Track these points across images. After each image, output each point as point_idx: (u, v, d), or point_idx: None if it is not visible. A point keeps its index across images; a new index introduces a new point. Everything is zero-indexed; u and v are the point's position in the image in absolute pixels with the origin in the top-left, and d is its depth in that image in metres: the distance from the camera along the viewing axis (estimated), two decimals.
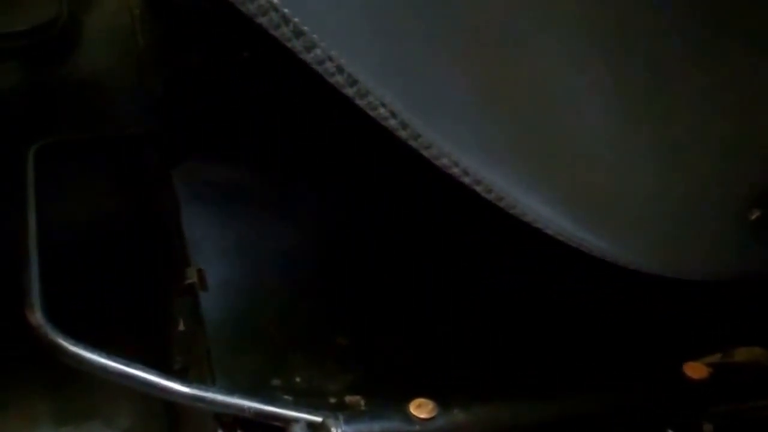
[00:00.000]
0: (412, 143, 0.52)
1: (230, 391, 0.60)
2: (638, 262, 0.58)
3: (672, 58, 0.55)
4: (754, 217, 0.59)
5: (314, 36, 0.48)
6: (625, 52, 0.54)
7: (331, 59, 0.49)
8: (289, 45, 0.49)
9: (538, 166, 0.54)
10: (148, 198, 0.84)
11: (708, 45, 0.56)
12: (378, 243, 0.76)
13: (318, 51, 0.49)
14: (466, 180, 0.53)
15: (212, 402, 0.59)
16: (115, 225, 0.84)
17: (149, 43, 0.87)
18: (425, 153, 0.52)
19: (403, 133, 0.51)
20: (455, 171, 0.53)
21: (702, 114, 0.57)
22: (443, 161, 0.52)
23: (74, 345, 0.60)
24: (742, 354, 0.66)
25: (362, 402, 0.62)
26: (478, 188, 0.53)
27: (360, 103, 0.51)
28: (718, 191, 0.58)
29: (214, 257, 0.72)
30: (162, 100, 0.85)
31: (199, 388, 0.59)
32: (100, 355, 0.59)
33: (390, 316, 0.70)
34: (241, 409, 0.59)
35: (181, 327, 0.73)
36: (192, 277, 0.70)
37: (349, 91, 0.50)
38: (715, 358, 0.66)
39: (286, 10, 0.48)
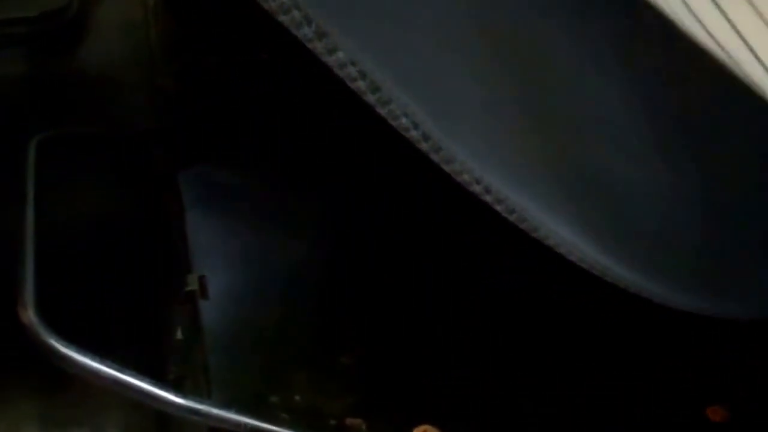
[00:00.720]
0: (434, 156, 0.49)
1: (227, 406, 0.59)
2: (671, 298, 0.55)
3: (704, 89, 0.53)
4: None
5: (338, 39, 0.46)
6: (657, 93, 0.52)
7: (353, 64, 0.47)
8: (310, 46, 0.47)
9: (567, 190, 0.52)
10: (152, 199, 0.82)
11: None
12: (388, 259, 0.74)
13: (341, 54, 0.47)
14: (487, 198, 0.50)
15: (207, 415, 0.58)
16: (117, 225, 0.82)
17: (162, 38, 0.85)
18: (446, 168, 0.50)
19: (424, 145, 0.49)
20: (476, 188, 0.50)
21: (738, 146, 0.55)
22: (464, 177, 0.50)
23: (66, 347, 0.59)
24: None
25: (363, 426, 0.61)
26: (499, 207, 0.51)
27: (381, 111, 0.48)
28: (749, 226, 0.56)
29: (217, 265, 0.71)
30: (172, 98, 0.83)
31: (195, 400, 0.58)
32: (92, 359, 0.58)
33: (396, 337, 0.68)
34: (238, 424, 0.58)
35: (179, 336, 0.71)
36: (193, 285, 0.69)
37: (371, 98, 0.48)
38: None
39: (309, 10, 0.45)
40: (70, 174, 0.81)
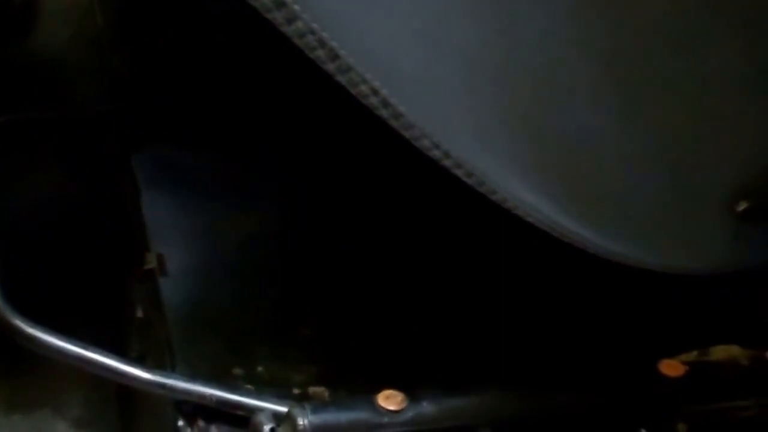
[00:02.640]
0: (393, 123, 0.50)
1: (192, 378, 0.59)
2: (622, 253, 0.57)
3: (659, 51, 0.55)
4: (741, 209, 0.58)
5: (296, 8, 0.47)
6: (615, 48, 0.54)
7: (312, 32, 0.48)
8: (269, 17, 0.48)
9: (521, 152, 0.53)
10: (107, 181, 0.82)
11: (695, 43, 0.55)
12: (342, 230, 0.75)
13: (300, 24, 0.47)
14: (447, 163, 0.51)
15: (173, 389, 0.58)
16: (73, 208, 0.82)
17: (110, 22, 0.85)
18: (406, 134, 0.51)
19: (384, 112, 0.50)
20: (436, 154, 0.51)
21: (689, 107, 0.56)
22: (424, 143, 0.51)
23: (31, 327, 0.59)
24: (719, 352, 0.66)
25: (326, 393, 0.62)
26: (458, 172, 0.52)
27: (341, 79, 0.49)
28: (705, 182, 0.58)
29: (174, 242, 0.71)
30: (122, 81, 0.83)
31: (160, 374, 0.59)
32: (57, 337, 0.58)
33: (356, 306, 0.69)
34: (204, 396, 0.58)
35: (140, 314, 0.72)
36: (152, 263, 0.69)
37: (331, 67, 0.48)
38: (692, 355, 0.65)
39: None
40: (24, 158, 0.81)
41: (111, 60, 0.86)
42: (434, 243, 0.74)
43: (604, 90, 0.54)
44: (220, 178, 0.78)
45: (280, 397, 0.59)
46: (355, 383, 0.61)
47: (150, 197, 0.75)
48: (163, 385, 0.58)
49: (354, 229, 0.75)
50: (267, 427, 0.55)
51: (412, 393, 0.57)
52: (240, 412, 0.58)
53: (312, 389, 0.62)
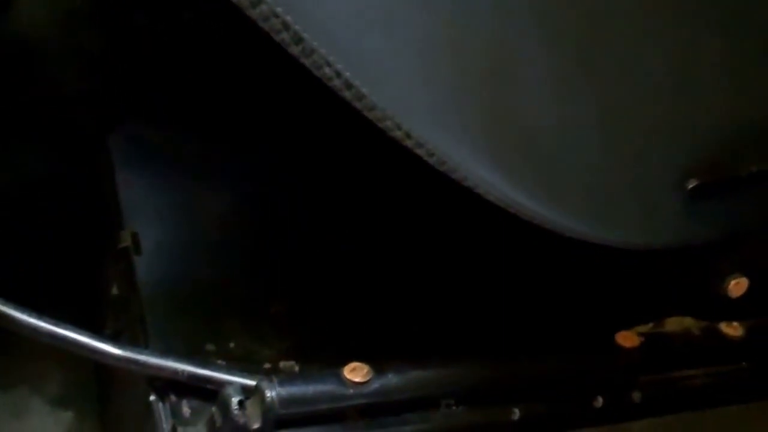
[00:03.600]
0: (356, 104, 0.52)
1: (164, 354, 0.60)
2: (577, 229, 0.59)
3: (613, 35, 0.56)
4: (691, 186, 0.60)
5: None
6: (568, 30, 0.55)
7: (276, 16, 0.49)
8: (234, 1, 0.49)
9: (479, 131, 0.54)
10: (82, 161, 0.83)
11: (646, 24, 0.57)
12: (312, 208, 0.77)
13: (264, 7, 0.49)
14: (409, 143, 0.53)
15: (145, 365, 0.59)
16: (48, 187, 0.82)
17: (85, 1, 0.85)
18: (368, 115, 0.52)
19: (347, 94, 0.51)
20: (398, 134, 0.53)
21: (642, 86, 0.58)
22: (386, 124, 0.52)
23: (4, 304, 0.59)
24: (672, 324, 0.68)
25: (296, 367, 0.63)
26: (419, 152, 0.53)
27: (306, 62, 0.50)
28: (657, 160, 0.60)
29: (149, 221, 0.72)
30: (98, 60, 0.84)
31: (133, 350, 0.59)
32: (30, 315, 0.58)
33: (325, 284, 0.70)
34: (175, 372, 0.59)
35: (115, 291, 0.72)
36: (126, 241, 0.70)
37: (295, 50, 0.50)
38: (647, 327, 0.67)
39: None
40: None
41: (87, 39, 0.86)
42: (394, 217, 0.76)
43: (559, 72, 0.55)
44: (194, 158, 0.79)
45: (251, 371, 0.59)
46: (323, 357, 0.62)
47: (125, 176, 0.76)
48: (135, 361, 0.59)
49: (323, 208, 0.76)
50: (235, 400, 0.56)
51: (377, 366, 0.58)
52: (211, 387, 0.58)
53: (282, 363, 0.63)
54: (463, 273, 0.72)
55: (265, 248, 0.73)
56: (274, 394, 0.56)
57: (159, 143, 0.80)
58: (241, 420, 0.56)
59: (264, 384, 0.56)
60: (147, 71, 0.83)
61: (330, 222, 0.75)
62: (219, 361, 0.62)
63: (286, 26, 0.49)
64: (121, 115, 0.80)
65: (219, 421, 0.56)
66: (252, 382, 0.57)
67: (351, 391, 0.58)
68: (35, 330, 0.59)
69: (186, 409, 0.59)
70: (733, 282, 0.67)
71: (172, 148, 0.79)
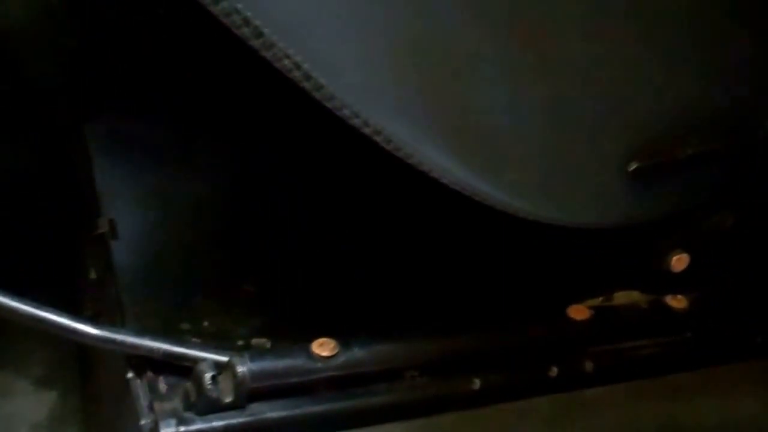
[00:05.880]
0: (316, 95, 0.54)
1: (140, 333, 0.61)
2: (528, 210, 0.61)
3: (561, 24, 0.59)
4: (632, 168, 0.63)
5: None
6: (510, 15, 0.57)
7: (238, 12, 0.51)
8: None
9: (432, 116, 0.57)
10: (59, 151, 0.85)
11: (590, 18, 0.59)
12: (281, 193, 0.79)
13: (225, 4, 0.51)
14: (367, 131, 0.55)
15: (122, 344, 0.60)
16: (28, 176, 0.84)
17: None
18: (328, 105, 0.54)
19: (307, 85, 0.53)
20: (357, 122, 0.55)
21: (586, 73, 0.60)
22: (345, 112, 0.55)
23: None
24: (621, 297, 0.70)
25: (268, 344, 0.64)
26: (377, 138, 0.55)
27: (266, 55, 0.52)
28: (601, 143, 0.62)
29: (125, 208, 0.74)
30: (75, 52, 0.85)
31: (110, 330, 0.60)
32: (10, 297, 0.59)
33: (294, 263, 0.72)
34: (151, 350, 0.60)
35: (93, 275, 0.74)
36: (103, 227, 0.71)
37: (255, 43, 0.52)
38: (597, 301, 0.70)
39: None
40: None
41: (64, 31, 0.87)
42: (354, 195, 0.78)
43: (509, 60, 0.57)
44: (169, 147, 0.81)
45: (224, 348, 0.61)
46: (294, 334, 0.63)
47: (101, 165, 0.78)
48: (113, 341, 0.60)
49: (291, 192, 0.79)
50: (208, 375, 0.57)
51: (344, 340, 0.60)
52: (185, 363, 0.60)
53: (254, 341, 0.64)
54: (420, 251, 0.74)
55: (236, 232, 0.75)
56: (245, 368, 0.57)
57: (134, 133, 0.82)
58: (215, 394, 0.57)
59: (236, 359, 0.58)
60: (122, 64, 0.85)
61: (297, 206, 0.78)
62: (194, 339, 0.63)
63: (246, 22, 0.51)
64: (98, 106, 0.82)
65: (194, 396, 0.58)
66: (225, 358, 0.59)
67: (319, 364, 0.59)
68: (16, 312, 0.59)
69: (163, 386, 0.60)
70: (675, 258, 0.70)
71: (147, 138, 0.81)
